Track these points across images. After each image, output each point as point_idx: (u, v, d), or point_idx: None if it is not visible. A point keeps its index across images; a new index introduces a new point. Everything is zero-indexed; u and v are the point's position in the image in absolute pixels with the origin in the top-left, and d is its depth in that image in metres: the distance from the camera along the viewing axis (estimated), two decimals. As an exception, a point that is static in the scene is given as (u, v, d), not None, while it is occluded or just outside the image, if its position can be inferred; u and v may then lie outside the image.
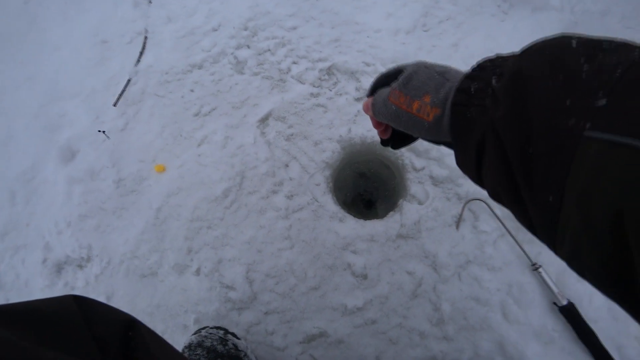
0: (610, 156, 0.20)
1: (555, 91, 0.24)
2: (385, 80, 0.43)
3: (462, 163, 0.35)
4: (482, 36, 0.97)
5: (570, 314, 0.74)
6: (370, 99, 0.44)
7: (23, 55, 1.20)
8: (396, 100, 0.38)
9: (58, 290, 0.91)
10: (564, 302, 0.74)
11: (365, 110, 0.45)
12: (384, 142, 0.50)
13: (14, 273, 0.96)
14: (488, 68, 0.31)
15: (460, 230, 0.80)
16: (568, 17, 1.05)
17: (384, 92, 0.41)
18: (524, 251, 0.78)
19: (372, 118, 0.45)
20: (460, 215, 0.80)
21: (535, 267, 0.77)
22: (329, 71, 0.91)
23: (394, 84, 0.40)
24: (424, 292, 0.77)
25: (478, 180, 0.34)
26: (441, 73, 0.37)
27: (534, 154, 0.25)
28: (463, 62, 0.93)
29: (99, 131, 0.89)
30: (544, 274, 0.76)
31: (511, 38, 0.97)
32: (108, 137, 0.85)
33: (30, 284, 0.94)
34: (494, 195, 0.33)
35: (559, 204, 0.23)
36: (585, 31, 0.34)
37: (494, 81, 0.30)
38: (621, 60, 0.22)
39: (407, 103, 0.37)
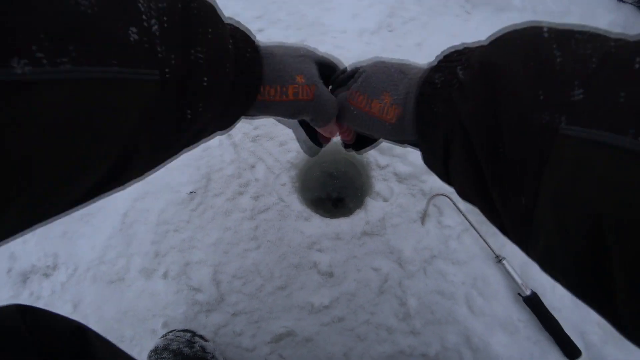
0: (588, 156, 0.18)
1: (528, 83, 0.22)
2: (342, 82, 0.41)
3: (428, 162, 0.34)
4: (446, 36, 0.99)
5: (534, 304, 0.76)
6: None
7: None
8: (354, 102, 0.37)
9: (23, 300, 0.89)
10: (528, 293, 0.76)
11: None
12: (346, 146, 0.50)
13: (-21, 284, 0.94)
14: (454, 58, 0.30)
15: (425, 226, 0.82)
16: (530, 17, 1.09)
17: (343, 94, 0.40)
18: (487, 244, 0.80)
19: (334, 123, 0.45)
20: (425, 210, 0.82)
21: (499, 260, 0.79)
22: (295, 72, 0.92)
23: (352, 85, 0.39)
24: (390, 287, 0.78)
25: (446, 179, 0.33)
26: (400, 70, 0.36)
27: (505, 152, 0.23)
28: (427, 61, 0.95)
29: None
30: (507, 266, 0.78)
31: (474, 37, 0.99)
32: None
33: (-5, 295, 0.92)
34: (463, 195, 0.32)
35: (532, 205, 0.22)
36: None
37: (460, 73, 0.28)
38: (596, 50, 0.20)
39: (365, 103, 0.36)
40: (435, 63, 0.31)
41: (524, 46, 0.23)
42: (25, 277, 0.91)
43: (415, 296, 0.78)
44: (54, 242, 0.89)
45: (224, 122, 0.37)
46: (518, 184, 0.22)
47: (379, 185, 0.82)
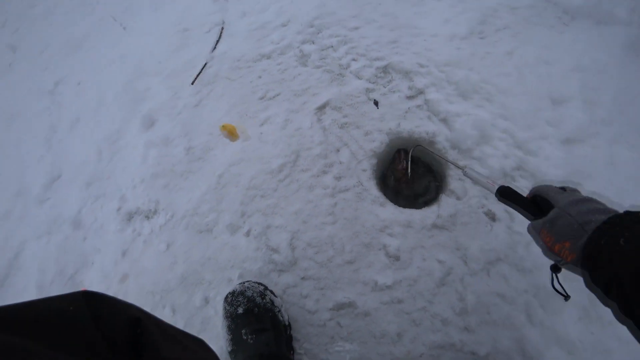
0: None
1: None
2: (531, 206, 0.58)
3: (590, 287, 0.45)
4: (538, 47, 0.99)
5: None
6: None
7: (117, 38, 1.40)
8: (544, 237, 0.51)
9: (127, 234, 1.06)
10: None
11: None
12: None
13: (93, 216, 1.14)
14: (617, 226, 0.40)
15: (494, 229, 0.84)
16: (636, 33, 1.02)
17: (537, 224, 0.53)
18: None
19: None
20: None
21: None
22: (385, 70, 0.99)
23: (543, 224, 0.51)
24: (452, 281, 0.82)
25: (604, 300, 0.43)
26: (582, 224, 0.46)
27: None
28: (516, 69, 0.96)
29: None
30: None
31: (569, 51, 0.99)
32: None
33: (105, 227, 1.11)
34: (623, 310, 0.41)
35: None
36: None
37: (622, 241, 0.39)
38: None
39: (551, 242, 0.49)
40: (602, 225, 0.42)
41: None
42: (130, 217, 1.08)
43: (475, 294, 0.81)
44: (158, 191, 1.05)
45: None
46: None
47: (454, 183, 0.86)
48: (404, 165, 0.85)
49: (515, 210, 0.61)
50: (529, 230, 0.56)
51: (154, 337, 0.42)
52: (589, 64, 0.95)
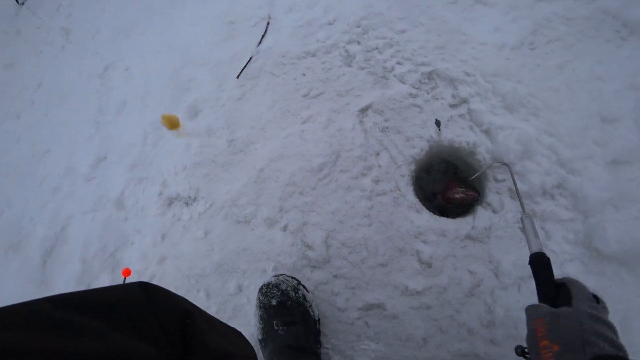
0: None
1: None
2: (549, 292, 0.53)
3: None
4: (591, 61, 0.96)
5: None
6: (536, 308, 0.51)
7: (165, 27, 1.44)
8: (537, 324, 0.47)
9: (167, 218, 1.12)
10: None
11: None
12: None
13: (135, 198, 1.20)
14: None
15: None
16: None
17: (541, 310, 0.49)
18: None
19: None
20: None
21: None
22: (430, 76, 0.99)
23: (547, 314, 0.47)
24: (481, 293, 0.83)
25: None
26: (586, 342, 0.41)
27: None
28: (566, 85, 0.94)
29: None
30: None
31: (625, 67, 0.95)
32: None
33: (145, 209, 1.17)
34: None
35: None
36: None
37: None
38: None
39: (542, 334, 0.45)
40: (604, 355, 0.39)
41: None
42: (170, 202, 1.14)
43: (503, 308, 0.82)
44: (198, 179, 1.10)
45: None
46: None
47: (491, 196, 0.86)
48: (460, 195, 0.85)
49: (535, 282, 0.59)
50: (527, 309, 0.52)
51: (202, 329, 0.45)
52: (646, 83, 0.92)
